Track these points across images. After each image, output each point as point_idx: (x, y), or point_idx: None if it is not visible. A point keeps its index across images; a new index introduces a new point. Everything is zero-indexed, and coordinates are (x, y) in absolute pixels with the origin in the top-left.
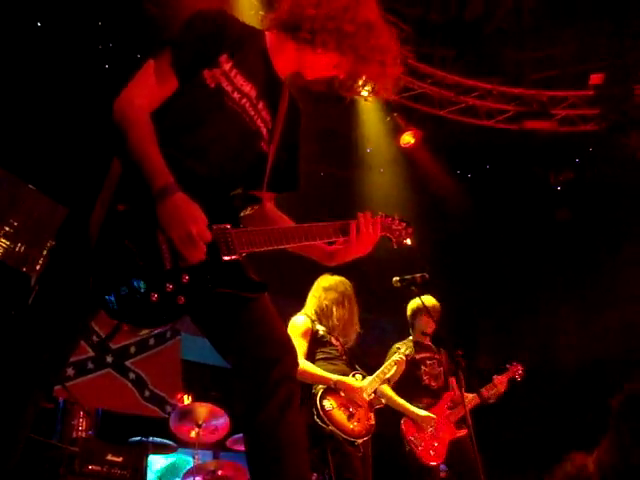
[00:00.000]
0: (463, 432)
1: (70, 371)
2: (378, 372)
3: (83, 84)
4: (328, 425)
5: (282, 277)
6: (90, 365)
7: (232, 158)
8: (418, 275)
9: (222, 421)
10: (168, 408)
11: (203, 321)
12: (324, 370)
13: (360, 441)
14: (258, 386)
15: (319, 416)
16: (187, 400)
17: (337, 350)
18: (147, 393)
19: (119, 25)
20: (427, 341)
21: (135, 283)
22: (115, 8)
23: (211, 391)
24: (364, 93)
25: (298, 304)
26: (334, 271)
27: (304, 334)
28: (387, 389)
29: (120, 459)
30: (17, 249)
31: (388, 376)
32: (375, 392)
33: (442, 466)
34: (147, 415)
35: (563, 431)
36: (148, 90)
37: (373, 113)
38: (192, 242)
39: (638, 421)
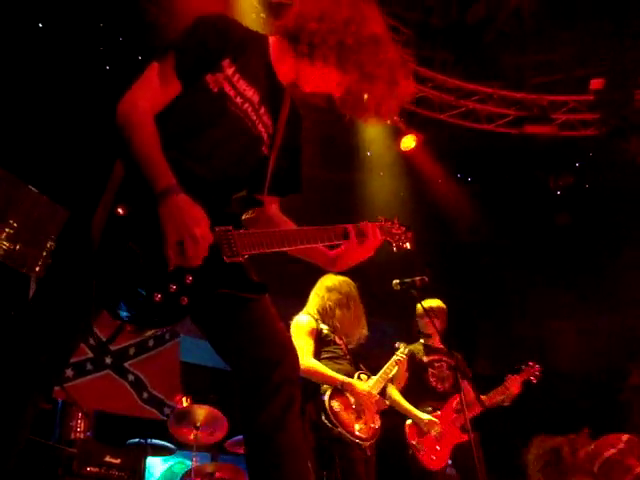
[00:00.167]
0: (466, 437)
1: (69, 372)
2: (381, 373)
3: (84, 85)
4: (337, 427)
5: (282, 278)
6: (89, 366)
7: (234, 162)
8: (418, 278)
9: (220, 423)
10: (166, 410)
11: (204, 321)
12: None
13: (367, 444)
14: (258, 389)
15: (328, 417)
16: (185, 402)
17: (341, 349)
18: (146, 395)
19: (120, 27)
20: (437, 343)
21: (139, 284)
22: (116, 9)
23: (210, 393)
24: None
25: (299, 304)
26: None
27: (310, 333)
28: (394, 391)
29: (118, 461)
30: (17, 250)
31: (390, 376)
32: (381, 394)
33: (450, 469)
34: (145, 417)
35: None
36: (151, 93)
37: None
38: (195, 244)
39: None
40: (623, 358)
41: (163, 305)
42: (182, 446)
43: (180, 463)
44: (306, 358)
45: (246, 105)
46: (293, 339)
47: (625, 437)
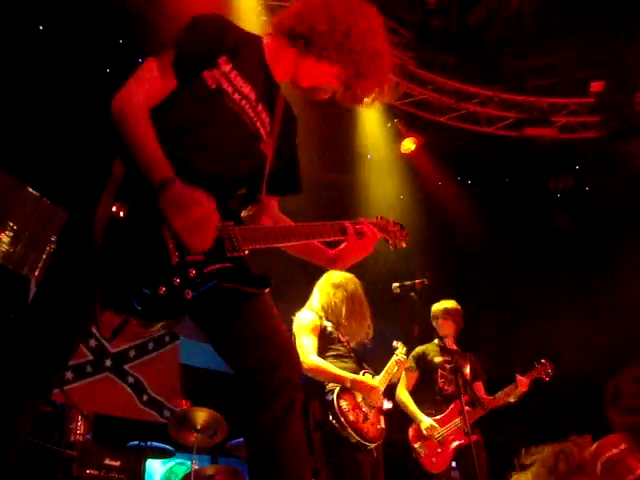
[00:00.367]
0: (472, 439)
1: (69, 375)
2: (383, 372)
3: (84, 87)
4: (346, 427)
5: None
6: (89, 369)
7: (233, 157)
8: (418, 281)
9: (221, 426)
10: (166, 413)
11: (205, 320)
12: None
13: (373, 445)
14: (260, 391)
15: (335, 417)
16: (185, 405)
17: (345, 347)
18: (145, 397)
19: (120, 29)
20: (451, 345)
21: (143, 277)
22: (116, 12)
23: (210, 396)
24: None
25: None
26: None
27: (313, 330)
28: (403, 392)
29: (118, 463)
30: (16, 252)
31: (392, 376)
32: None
33: (454, 472)
34: (145, 420)
35: (562, 437)
36: (146, 88)
37: (374, 120)
38: (198, 228)
39: None
40: (624, 361)
41: (167, 298)
42: (182, 449)
43: (180, 464)
44: (311, 356)
45: (244, 102)
46: (296, 336)
47: (627, 437)
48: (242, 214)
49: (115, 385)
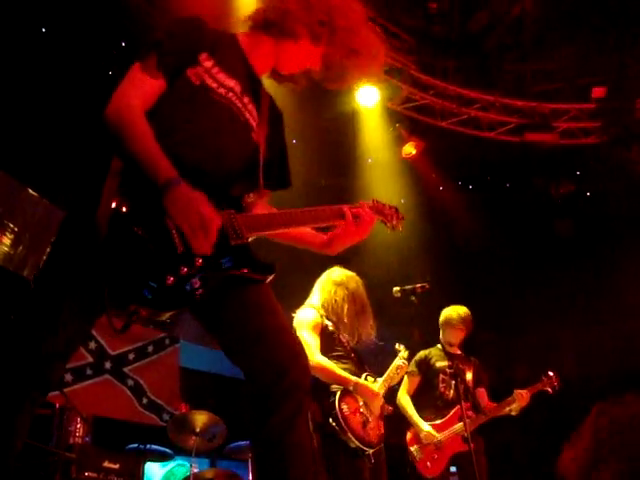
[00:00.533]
0: (467, 447)
1: (68, 377)
2: (385, 377)
3: (85, 90)
4: (346, 431)
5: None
6: (88, 371)
7: (227, 147)
8: (418, 285)
9: (220, 429)
10: (165, 416)
11: (210, 314)
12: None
13: (372, 451)
14: (270, 392)
15: (336, 420)
16: (184, 408)
17: (345, 348)
18: (145, 400)
19: (123, 31)
20: (455, 350)
21: (151, 268)
22: (118, 14)
23: (209, 399)
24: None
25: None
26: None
27: (315, 328)
28: (404, 396)
29: (117, 466)
30: (17, 254)
31: (393, 381)
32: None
33: (454, 479)
34: (144, 423)
35: (562, 444)
36: (139, 91)
37: (375, 124)
38: (204, 230)
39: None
40: (625, 366)
41: (176, 288)
42: (181, 452)
43: (181, 466)
44: (315, 355)
45: (230, 94)
46: (297, 334)
47: None
48: (243, 202)
49: (115, 388)
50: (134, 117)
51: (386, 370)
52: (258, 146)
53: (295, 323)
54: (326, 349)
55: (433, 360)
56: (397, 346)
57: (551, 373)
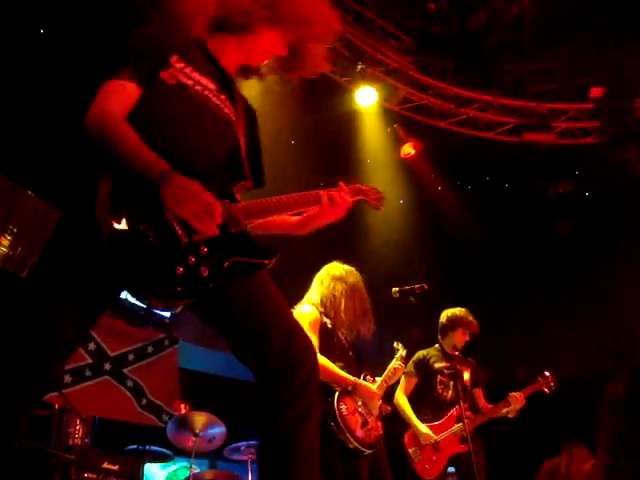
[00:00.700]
0: (465, 448)
1: (67, 378)
2: (383, 376)
3: (87, 92)
4: (345, 432)
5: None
6: (88, 372)
7: (211, 141)
8: (417, 286)
9: (219, 430)
10: (165, 417)
11: (213, 309)
12: None
13: (370, 452)
14: (280, 392)
15: (334, 420)
16: (184, 409)
17: (344, 346)
18: (144, 401)
19: (122, 34)
20: (453, 350)
21: (159, 261)
22: (118, 16)
23: (209, 400)
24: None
25: None
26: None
27: (314, 326)
28: (401, 397)
29: (116, 467)
30: (16, 255)
31: (391, 381)
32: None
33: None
34: (144, 424)
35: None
36: (116, 98)
37: (373, 125)
38: (208, 213)
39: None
40: (624, 366)
41: (185, 277)
42: (180, 453)
43: (185, 468)
44: (317, 354)
45: (206, 92)
46: None
47: None
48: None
49: (114, 389)
50: (115, 121)
51: (385, 370)
52: (239, 139)
53: None
54: (324, 347)
55: (432, 361)
56: (395, 344)
57: (547, 373)
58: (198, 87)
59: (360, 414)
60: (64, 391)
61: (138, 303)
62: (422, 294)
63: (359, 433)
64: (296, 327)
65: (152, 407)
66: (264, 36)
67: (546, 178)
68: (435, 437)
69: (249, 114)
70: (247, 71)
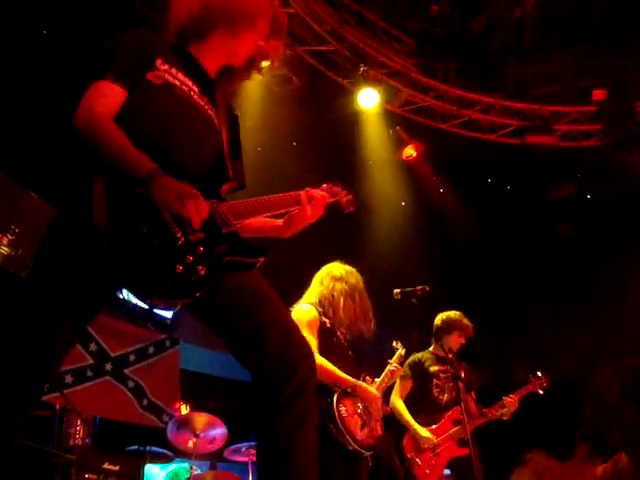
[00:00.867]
0: (465, 451)
1: (69, 378)
2: (382, 377)
3: (77, 91)
4: (344, 434)
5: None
6: (89, 373)
7: (196, 141)
8: (419, 287)
9: (220, 431)
10: (165, 417)
11: (211, 309)
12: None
13: (369, 453)
14: (278, 393)
15: (334, 422)
16: (185, 410)
17: (343, 346)
18: (145, 402)
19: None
20: (449, 354)
21: (158, 260)
22: (119, 17)
23: (209, 401)
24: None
25: None
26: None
27: (312, 325)
28: (398, 401)
29: (117, 468)
30: (18, 255)
31: (389, 383)
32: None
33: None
34: (144, 424)
35: (560, 446)
36: (102, 101)
37: (375, 126)
38: (192, 199)
39: None
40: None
41: (184, 276)
42: (181, 454)
43: (185, 468)
44: (316, 355)
45: (192, 92)
46: None
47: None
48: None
49: (115, 389)
50: (101, 121)
51: (384, 370)
52: (222, 140)
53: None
54: (323, 348)
55: (427, 364)
56: (394, 344)
57: (539, 373)
58: (184, 87)
59: (359, 416)
60: (65, 391)
61: (139, 303)
62: (424, 296)
63: (359, 435)
64: (294, 327)
65: (153, 408)
66: (244, 38)
67: (548, 180)
68: (436, 440)
69: (231, 117)
70: (230, 73)
